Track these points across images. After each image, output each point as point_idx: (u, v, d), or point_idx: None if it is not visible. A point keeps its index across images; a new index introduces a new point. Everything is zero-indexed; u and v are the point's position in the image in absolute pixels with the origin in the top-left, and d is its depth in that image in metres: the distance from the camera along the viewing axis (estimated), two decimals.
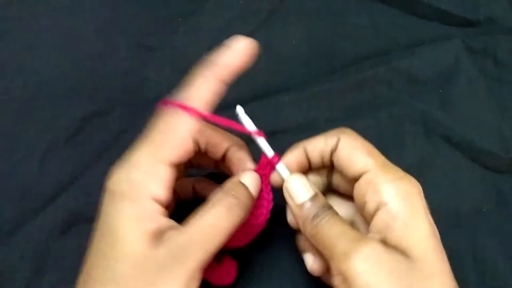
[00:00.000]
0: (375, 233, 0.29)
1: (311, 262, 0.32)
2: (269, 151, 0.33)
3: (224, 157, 0.34)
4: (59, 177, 0.41)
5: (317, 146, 0.32)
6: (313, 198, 0.31)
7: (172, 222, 0.29)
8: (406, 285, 0.26)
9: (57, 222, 0.39)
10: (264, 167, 0.33)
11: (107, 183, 0.28)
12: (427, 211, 0.29)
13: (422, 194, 0.29)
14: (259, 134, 0.33)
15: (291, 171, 0.33)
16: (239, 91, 0.45)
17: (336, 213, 0.31)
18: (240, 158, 0.33)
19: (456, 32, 0.47)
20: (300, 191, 0.32)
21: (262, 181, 0.33)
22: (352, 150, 0.31)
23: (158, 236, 0.27)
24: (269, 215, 0.33)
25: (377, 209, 0.29)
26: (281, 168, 0.33)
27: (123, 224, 0.27)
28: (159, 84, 0.45)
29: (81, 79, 0.46)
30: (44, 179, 0.42)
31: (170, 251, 0.27)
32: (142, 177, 0.28)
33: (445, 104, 0.44)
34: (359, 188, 0.30)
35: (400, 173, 0.30)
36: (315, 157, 0.33)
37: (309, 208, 0.31)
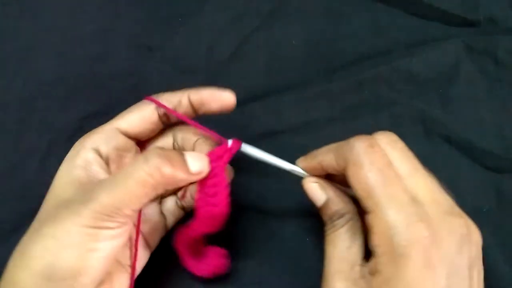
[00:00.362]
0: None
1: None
2: (228, 141, 0.33)
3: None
4: None
5: (329, 164, 0.31)
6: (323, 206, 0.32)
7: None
8: None
9: None
10: (220, 154, 0.32)
11: None
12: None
13: (431, 243, 0.26)
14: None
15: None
16: (239, 91, 0.45)
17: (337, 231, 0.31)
18: (200, 149, 0.34)
19: (456, 32, 0.47)
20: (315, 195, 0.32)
21: (216, 169, 0.32)
22: (359, 192, 0.28)
23: (86, 184, 0.31)
24: (228, 202, 0.32)
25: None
26: (250, 150, 0.33)
27: (61, 170, 0.32)
28: (159, 84, 0.45)
29: (81, 79, 0.46)
30: (44, 179, 0.41)
31: (82, 193, 0.29)
32: (94, 134, 0.33)
33: (445, 104, 0.44)
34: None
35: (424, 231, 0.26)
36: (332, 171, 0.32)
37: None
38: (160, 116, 0.35)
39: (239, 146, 0.33)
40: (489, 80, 0.45)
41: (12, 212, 0.40)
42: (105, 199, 0.28)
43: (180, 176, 0.29)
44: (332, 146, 0.32)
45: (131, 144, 0.35)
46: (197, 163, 0.30)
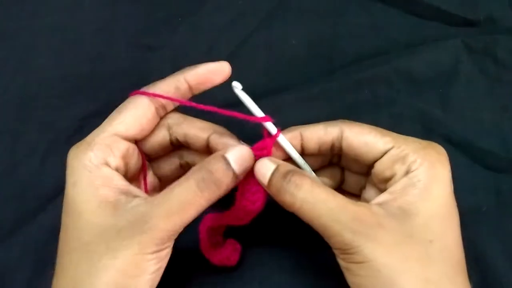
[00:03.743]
0: (385, 194, 0.30)
1: None
2: (272, 129, 0.32)
3: (208, 148, 0.34)
4: (59, 177, 0.41)
5: (315, 134, 0.32)
6: (276, 169, 0.30)
7: (137, 192, 0.30)
8: (401, 243, 0.27)
9: (57, 222, 0.39)
10: (260, 149, 0.32)
11: (66, 160, 0.31)
12: (448, 180, 0.29)
13: (447, 161, 0.30)
14: (265, 119, 0.32)
15: (282, 155, 0.32)
16: None
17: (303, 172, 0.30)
18: (225, 142, 0.33)
19: (456, 32, 0.47)
20: (264, 170, 0.31)
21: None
22: (364, 136, 0.31)
23: (119, 203, 0.29)
24: (265, 200, 0.32)
25: (402, 177, 0.29)
26: (285, 144, 0.32)
27: (80, 195, 0.29)
28: None
29: (81, 79, 0.46)
30: (44, 179, 0.42)
31: (131, 218, 0.28)
32: (96, 147, 0.30)
33: (445, 104, 0.44)
34: (383, 165, 0.31)
35: (423, 142, 0.31)
36: (312, 144, 0.32)
37: (276, 179, 0.30)
38: (157, 109, 0.33)
39: (277, 136, 0.32)
40: (489, 80, 0.45)
41: (12, 212, 0.40)
42: (164, 225, 0.28)
43: (230, 187, 0.30)
44: (317, 124, 0.33)
45: (132, 147, 0.33)
46: (242, 166, 0.30)
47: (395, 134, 0.31)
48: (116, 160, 0.31)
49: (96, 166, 0.30)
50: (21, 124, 0.44)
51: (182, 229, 0.29)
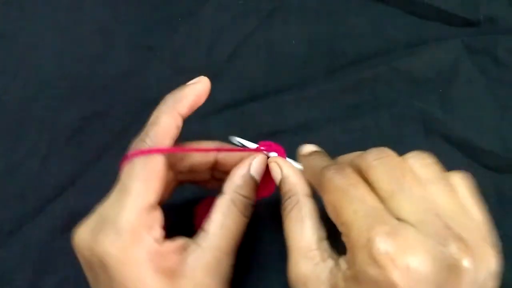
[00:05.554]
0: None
1: None
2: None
3: (216, 165, 0.34)
4: (59, 177, 0.41)
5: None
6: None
7: (181, 243, 0.28)
8: None
9: (57, 222, 0.39)
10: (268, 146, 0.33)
11: (97, 251, 0.26)
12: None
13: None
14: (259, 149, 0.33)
15: None
16: (239, 91, 0.45)
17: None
18: (238, 157, 0.33)
19: (456, 32, 0.47)
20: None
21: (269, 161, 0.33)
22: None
23: (173, 270, 0.27)
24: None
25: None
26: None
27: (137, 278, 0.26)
28: (159, 84, 0.45)
29: (81, 79, 0.46)
30: (44, 179, 0.42)
31: (195, 276, 0.27)
32: (134, 229, 0.26)
33: (445, 104, 0.44)
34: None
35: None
36: None
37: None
38: (168, 160, 0.29)
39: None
40: (489, 80, 0.45)
41: (12, 212, 0.40)
42: (223, 272, 0.29)
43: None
44: (316, 165, 0.30)
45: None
46: (260, 174, 0.32)
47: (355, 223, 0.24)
48: (155, 233, 0.27)
49: (149, 254, 0.26)
50: (21, 124, 0.44)
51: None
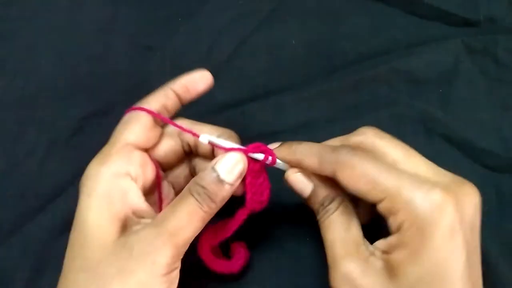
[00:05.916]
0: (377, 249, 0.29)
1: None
2: (259, 156, 0.32)
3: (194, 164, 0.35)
4: (59, 177, 0.41)
5: (311, 167, 0.31)
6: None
7: (147, 212, 0.30)
8: None
9: (57, 222, 0.39)
10: (257, 148, 0.32)
11: (85, 173, 0.30)
12: (444, 245, 0.26)
13: (459, 224, 0.26)
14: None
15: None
16: (239, 91, 0.45)
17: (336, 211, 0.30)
18: (217, 150, 0.33)
19: (456, 32, 0.47)
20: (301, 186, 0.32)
21: (260, 169, 0.32)
22: (355, 185, 0.28)
23: (130, 222, 0.28)
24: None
25: (395, 232, 0.27)
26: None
27: (94, 208, 0.29)
28: (159, 84, 0.45)
29: (81, 79, 0.46)
30: (44, 179, 0.42)
31: (141, 243, 0.27)
32: (116, 158, 0.30)
33: (445, 104, 0.44)
34: (380, 211, 0.28)
35: (434, 193, 0.26)
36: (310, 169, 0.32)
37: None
38: (155, 120, 0.33)
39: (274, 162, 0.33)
40: (489, 80, 0.45)
41: (12, 212, 0.40)
42: (172, 244, 0.27)
43: (227, 196, 0.30)
44: (314, 149, 0.31)
45: (145, 155, 0.33)
46: (234, 175, 0.30)
47: (393, 179, 0.27)
48: (136, 169, 0.31)
49: (116, 176, 0.30)
50: (21, 124, 0.44)
51: (187, 247, 0.29)
